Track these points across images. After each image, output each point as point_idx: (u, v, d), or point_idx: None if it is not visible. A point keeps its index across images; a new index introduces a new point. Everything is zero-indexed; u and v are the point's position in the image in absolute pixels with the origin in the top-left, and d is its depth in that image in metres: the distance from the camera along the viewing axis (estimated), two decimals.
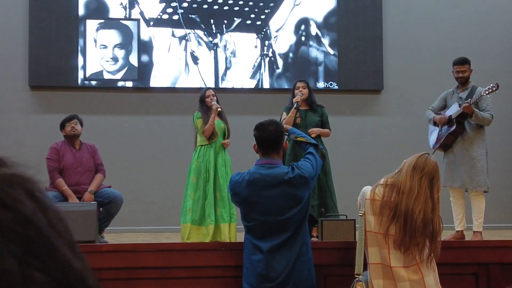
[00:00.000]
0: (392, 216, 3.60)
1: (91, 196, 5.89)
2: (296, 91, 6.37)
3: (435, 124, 6.27)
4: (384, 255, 3.64)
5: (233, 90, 8.43)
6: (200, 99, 6.36)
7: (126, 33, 8.41)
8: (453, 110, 6.12)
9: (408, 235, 3.56)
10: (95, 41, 8.33)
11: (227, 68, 8.53)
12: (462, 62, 6.22)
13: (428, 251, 3.62)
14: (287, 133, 4.39)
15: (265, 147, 3.93)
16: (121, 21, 8.42)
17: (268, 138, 3.91)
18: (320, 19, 8.68)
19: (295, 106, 6.23)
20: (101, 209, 5.97)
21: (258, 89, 8.57)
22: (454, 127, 6.01)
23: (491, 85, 5.86)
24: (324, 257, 4.19)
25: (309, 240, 3.98)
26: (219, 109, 6.17)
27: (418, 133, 8.31)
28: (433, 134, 6.37)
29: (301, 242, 3.89)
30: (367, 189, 3.78)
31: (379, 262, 3.68)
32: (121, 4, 8.40)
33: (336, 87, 8.53)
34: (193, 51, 8.47)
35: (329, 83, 8.52)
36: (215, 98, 6.30)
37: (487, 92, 5.86)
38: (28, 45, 8.12)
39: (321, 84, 8.36)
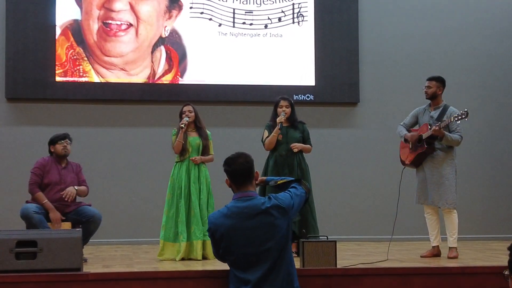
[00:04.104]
0: None
1: (74, 190, 5.99)
2: (279, 110, 6.38)
3: (405, 141, 6.39)
4: None
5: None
6: (179, 115, 6.37)
7: None
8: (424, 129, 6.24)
9: None
10: None
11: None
12: (429, 78, 6.36)
13: None
14: (264, 184, 4.35)
15: (238, 180, 3.94)
16: None
17: (239, 171, 3.93)
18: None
19: (279, 126, 6.27)
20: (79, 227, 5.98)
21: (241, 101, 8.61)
22: (424, 148, 6.13)
23: (461, 112, 5.99)
24: (308, 285, 4.24)
25: (295, 270, 3.99)
26: (181, 125, 6.16)
27: (393, 145, 8.35)
28: (403, 150, 6.48)
29: (286, 272, 3.89)
30: None
31: None
32: None
33: (313, 99, 8.62)
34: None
35: (305, 96, 8.60)
36: (191, 114, 6.30)
37: (456, 119, 6.00)
38: (4, 57, 8.05)
39: (297, 96, 8.44)
